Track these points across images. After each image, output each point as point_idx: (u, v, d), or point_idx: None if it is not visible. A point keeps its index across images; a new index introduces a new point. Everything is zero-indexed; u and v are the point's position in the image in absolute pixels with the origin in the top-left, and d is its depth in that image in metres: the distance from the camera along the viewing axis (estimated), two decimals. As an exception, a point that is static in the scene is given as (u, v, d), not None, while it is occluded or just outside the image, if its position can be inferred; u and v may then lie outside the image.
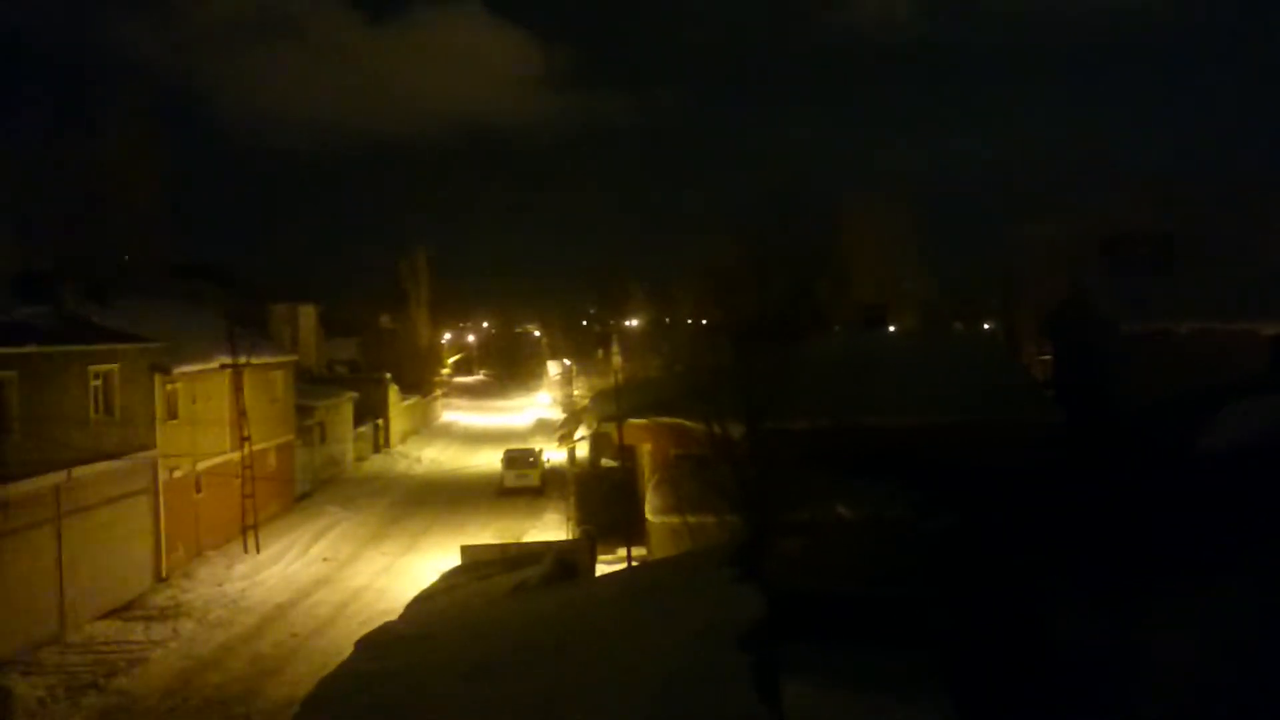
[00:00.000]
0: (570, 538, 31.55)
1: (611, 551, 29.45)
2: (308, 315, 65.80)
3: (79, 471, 26.49)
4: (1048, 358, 45.22)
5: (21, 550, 24.24)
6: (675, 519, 24.30)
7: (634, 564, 27.55)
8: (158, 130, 54.88)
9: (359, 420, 58.52)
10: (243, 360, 37.05)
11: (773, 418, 21.46)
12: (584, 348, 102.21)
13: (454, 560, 27.71)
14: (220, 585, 30.92)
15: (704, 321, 38.47)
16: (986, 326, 67.26)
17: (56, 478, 25.68)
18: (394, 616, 21.39)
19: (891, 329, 43.98)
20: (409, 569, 32.41)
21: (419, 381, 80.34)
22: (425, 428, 77.44)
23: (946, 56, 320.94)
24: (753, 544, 19.42)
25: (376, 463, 58.98)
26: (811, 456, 21.82)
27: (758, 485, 20.81)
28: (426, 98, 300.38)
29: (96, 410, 28.06)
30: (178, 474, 32.80)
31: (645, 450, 30.80)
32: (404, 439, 68.29)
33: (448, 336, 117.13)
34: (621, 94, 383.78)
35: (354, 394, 57.45)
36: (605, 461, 38.46)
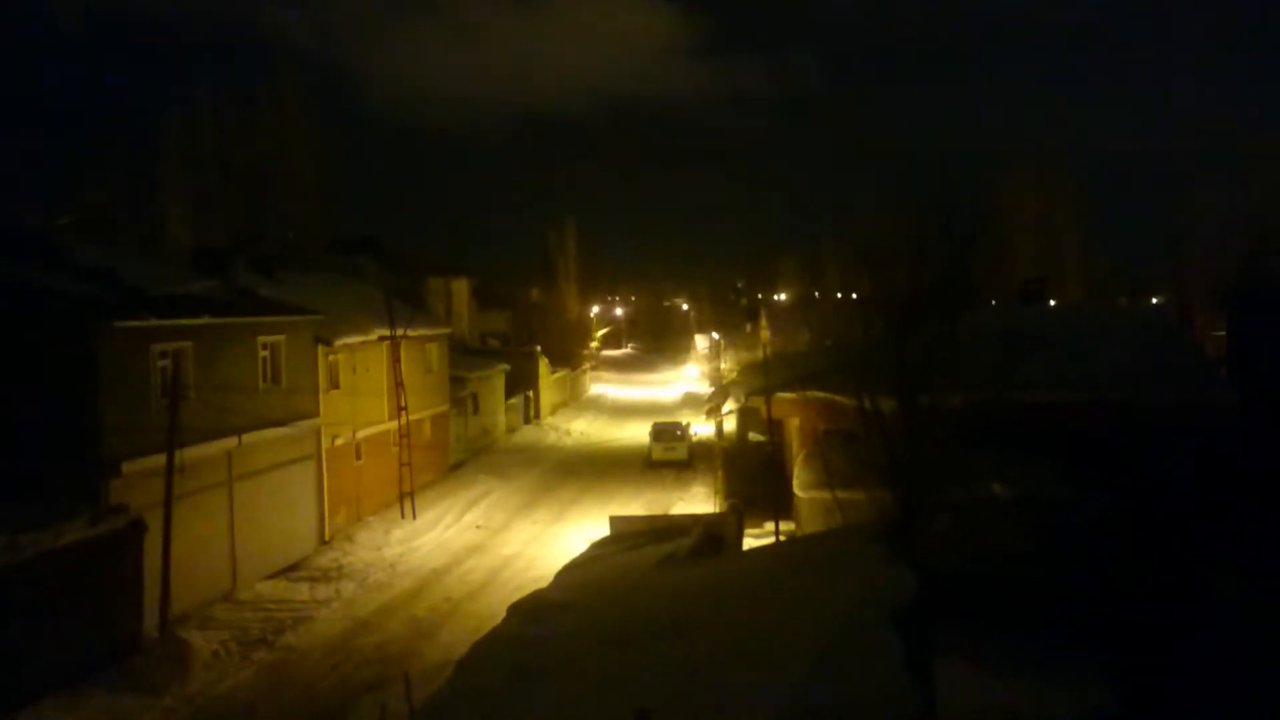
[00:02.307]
0: (717, 511, 31.56)
1: (758, 525, 29.33)
2: (461, 288, 67.08)
3: (249, 437, 27.63)
4: (1222, 334, 42.93)
5: (198, 512, 25.44)
6: (824, 494, 23.99)
7: (781, 538, 27.39)
8: (313, 110, 56.69)
9: (510, 392, 59.47)
10: (400, 332, 38.10)
11: (926, 393, 20.93)
12: (732, 321, 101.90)
13: (602, 530, 28.01)
14: (379, 549, 32.02)
15: (854, 295, 37.78)
16: (1154, 301, 64.27)
17: (229, 443, 26.82)
18: (544, 584, 21.73)
19: (1051, 303, 42.35)
20: (558, 538, 32.96)
21: (568, 354, 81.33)
22: (574, 400, 78.42)
23: (1112, 20, 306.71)
24: (904, 522, 19.05)
25: (527, 434, 59.95)
26: (966, 433, 21.22)
27: (909, 462, 20.34)
28: (570, 73, 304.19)
29: (264, 379, 29.12)
30: (339, 442, 34.00)
31: (793, 425, 30.52)
32: (553, 411, 69.24)
33: (596, 309, 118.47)
34: (766, 65, 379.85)
35: (506, 366, 58.44)
36: (753, 436, 38.28)
